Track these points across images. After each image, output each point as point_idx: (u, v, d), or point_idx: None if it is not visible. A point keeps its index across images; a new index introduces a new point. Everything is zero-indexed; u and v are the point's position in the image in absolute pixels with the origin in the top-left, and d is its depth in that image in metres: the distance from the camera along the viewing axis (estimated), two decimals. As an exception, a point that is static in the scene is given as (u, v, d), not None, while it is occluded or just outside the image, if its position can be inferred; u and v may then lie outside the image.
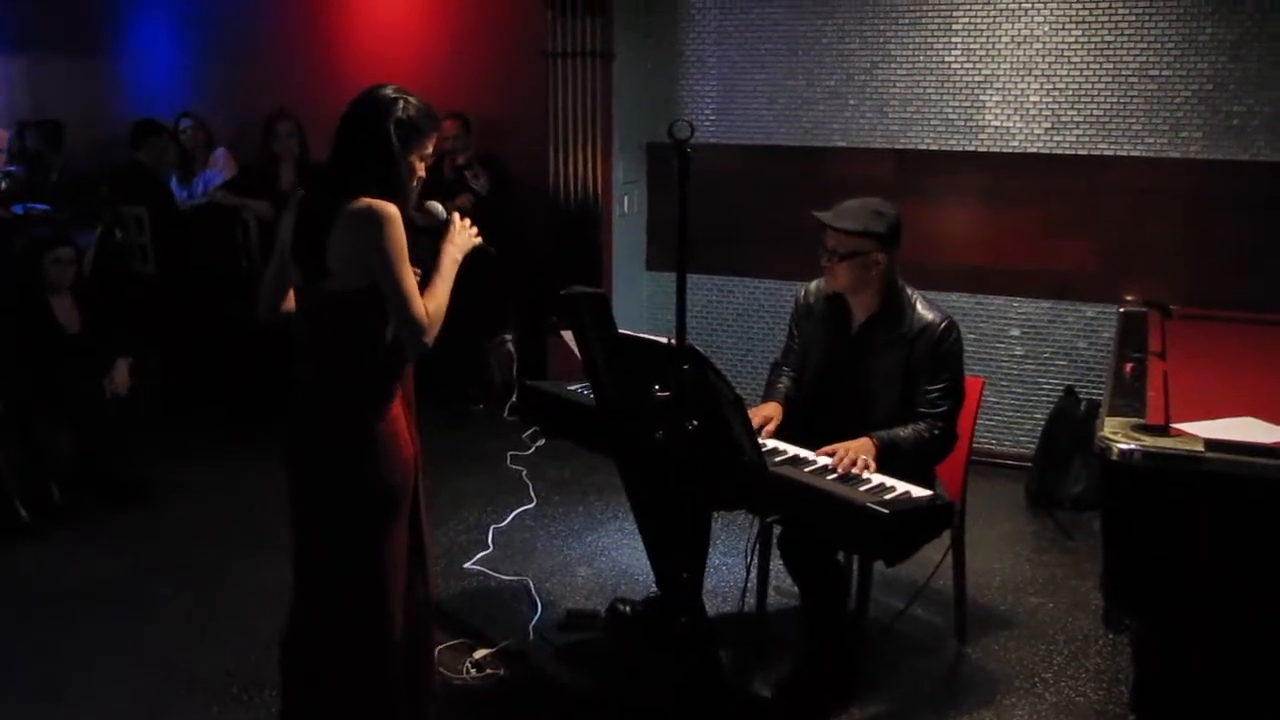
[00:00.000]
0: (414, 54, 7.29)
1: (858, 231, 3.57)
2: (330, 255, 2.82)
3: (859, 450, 3.37)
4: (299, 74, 7.36)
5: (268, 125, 6.64)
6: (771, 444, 3.53)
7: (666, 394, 2.97)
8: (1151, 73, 5.47)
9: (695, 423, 2.95)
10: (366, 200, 2.81)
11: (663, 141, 6.44)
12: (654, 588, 3.96)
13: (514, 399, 6.52)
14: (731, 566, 4.68)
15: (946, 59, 5.86)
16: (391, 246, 2.80)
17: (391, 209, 2.82)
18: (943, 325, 3.61)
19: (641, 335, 3.19)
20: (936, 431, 3.55)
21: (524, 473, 5.77)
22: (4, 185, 8.21)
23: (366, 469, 2.92)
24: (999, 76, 5.77)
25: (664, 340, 3.05)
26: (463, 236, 3.11)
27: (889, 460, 3.40)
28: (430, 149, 3.02)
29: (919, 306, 3.65)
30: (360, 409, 2.92)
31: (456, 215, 3.13)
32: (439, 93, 7.05)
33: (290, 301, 3.08)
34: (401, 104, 2.91)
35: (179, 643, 4.10)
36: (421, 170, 3.01)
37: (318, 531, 3.02)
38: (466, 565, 4.76)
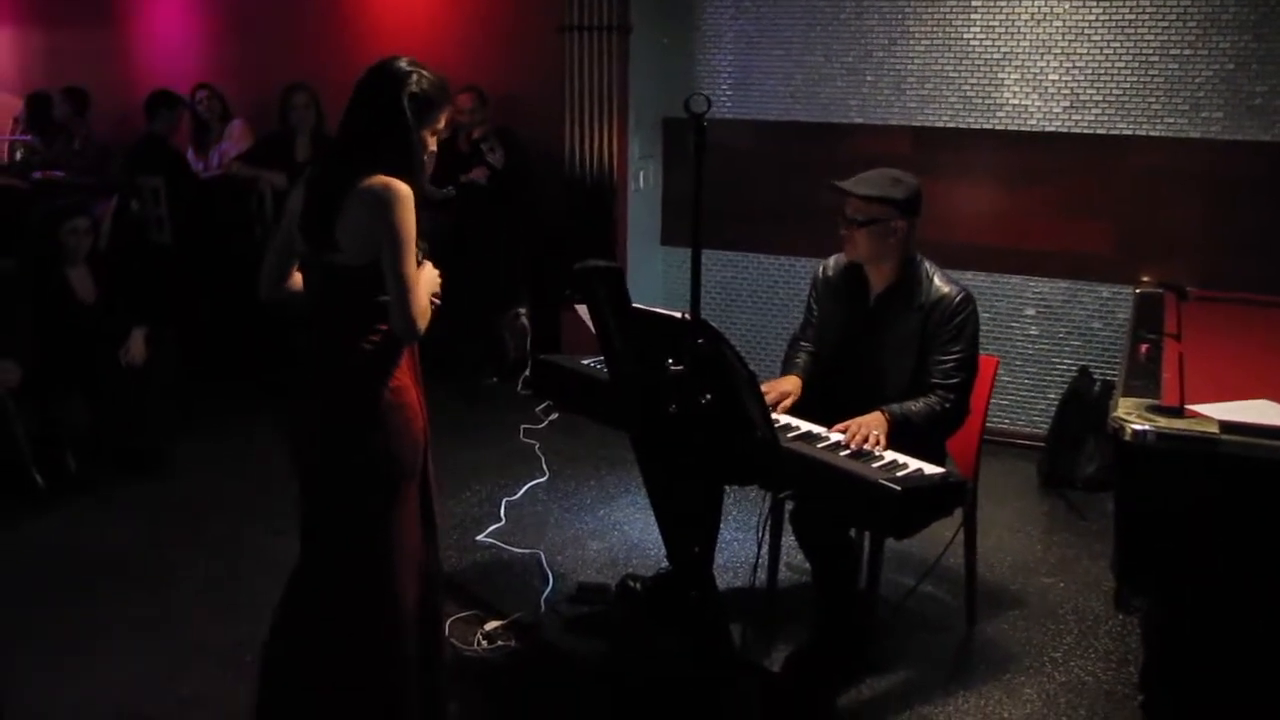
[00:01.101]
0: (430, 26, 7.28)
1: (877, 198, 3.57)
2: (340, 230, 2.81)
3: (871, 425, 3.37)
4: (316, 46, 7.36)
5: (284, 97, 6.64)
6: (784, 419, 3.53)
7: (680, 368, 2.97)
8: (1172, 51, 5.43)
9: (709, 396, 2.96)
10: (383, 178, 2.80)
11: (678, 117, 6.44)
12: (665, 563, 3.98)
13: (527, 373, 6.54)
14: (743, 542, 4.69)
15: (965, 35, 5.82)
16: (401, 229, 2.78)
17: (406, 189, 2.80)
18: (959, 298, 3.60)
19: (656, 310, 3.19)
20: (948, 404, 3.55)
21: (537, 446, 5.78)
22: (19, 155, 8.24)
23: (375, 441, 2.92)
24: (1018, 54, 5.73)
25: (678, 315, 3.05)
26: (430, 274, 3.01)
27: (901, 433, 3.40)
28: (442, 123, 3.00)
29: (936, 279, 3.64)
30: (367, 381, 2.91)
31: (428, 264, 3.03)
32: (455, 66, 7.03)
33: (292, 281, 3.08)
34: (415, 77, 2.89)
35: (193, 611, 4.14)
36: (433, 145, 2.99)
37: (329, 508, 3.01)
38: (479, 538, 4.78)
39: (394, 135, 2.86)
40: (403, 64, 2.91)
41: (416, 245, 2.84)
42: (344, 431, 2.94)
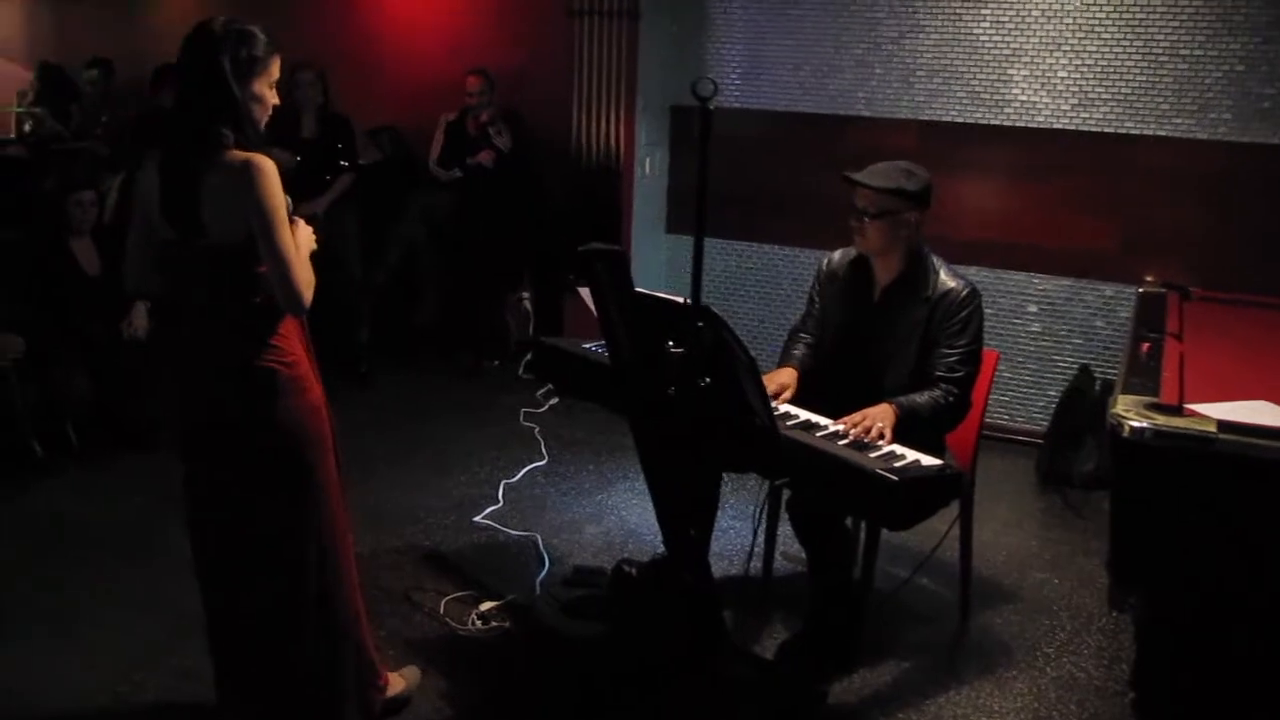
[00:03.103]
0: (439, 9, 7.27)
1: (890, 190, 3.57)
2: (205, 213, 2.75)
3: (878, 417, 3.38)
4: (323, 24, 7.34)
5: (290, 75, 6.63)
6: (784, 408, 3.54)
7: (680, 350, 2.98)
8: (1182, 52, 5.42)
9: (708, 379, 2.96)
10: (239, 154, 2.74)
11: (686, 104, 6.46)
12: (661, 549, 3.98)
13: (529, 357, 6.54)
14: (739, 530, 4.70)
15: (975, 30, 5.82)
16: (270, 203, 2.72)
17: (268, 163, 2.74)
18: (966, 291, 3.61)
19: (658, 294, 3.19)
20: (952, 398, 3.55)
21: (536, 430, 5.80)
22: (28, 127, 8.25)
23: (278, 415, 2.87)
24: (1027, 50, 5.72)
25: (680, 299, 3.05)
26: (305, 235, 2.94)
27: (907, 427, 3.41)
28: (275, 73, 2.88)
29: (943, 273, 3.65)
30: (257, 355, 2.85)
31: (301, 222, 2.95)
32: (464, 48, 7.07)
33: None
34: (234, 33, 2.78)
35: (189, 584, 4.12)
36: (273, 98, 2.89)
37: (243, 504, 2.95)
38: (476, 519, 4.79)
39: (220, 95, 2.76)
40: (216, 23, 2.79)
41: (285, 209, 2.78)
42: (246, 412, 2.88)
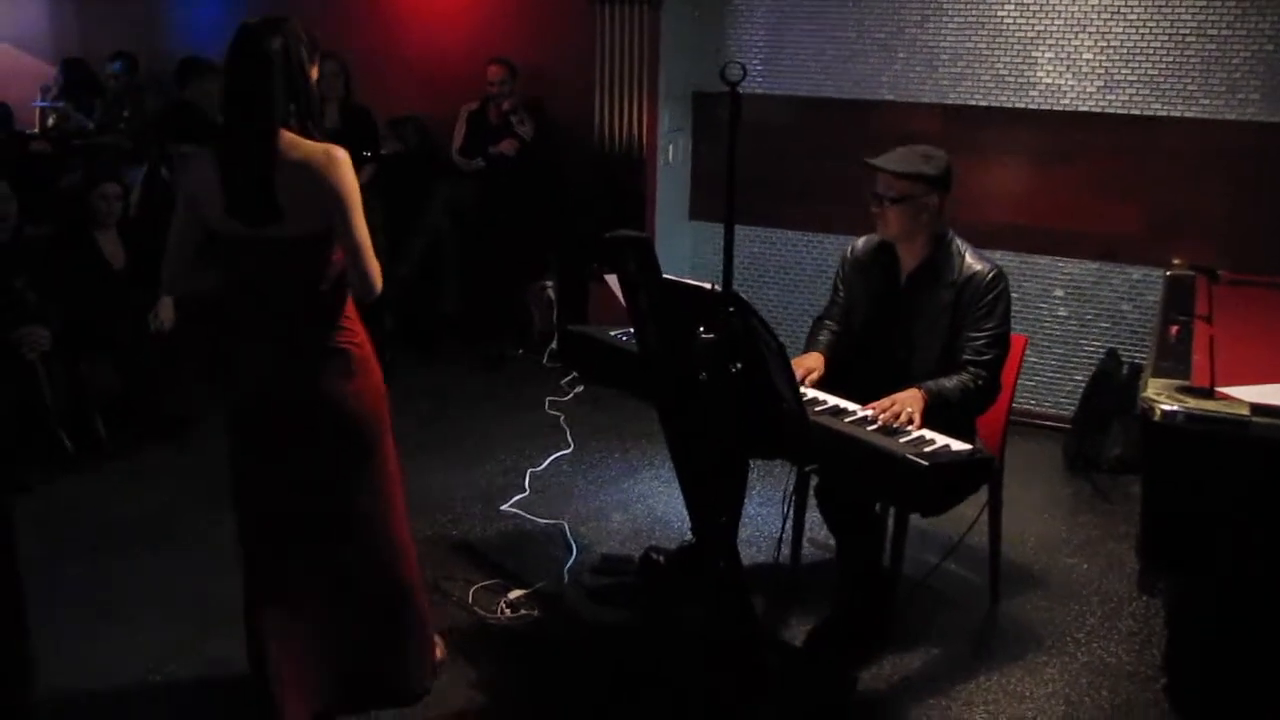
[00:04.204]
0: (461, -2, 7.27)
1: (910, 174, 3.56)
2: (280, 200, 2.80)
3: (907, 402, 3.36)
4: (346, 16, 7.34)
5: (313, 66, 6.64)
6: (812, 394, 3.53)
7: (710, 336, 2.97)
8: (1209, 31, 5.37)
9: (738, 365, 2.96)
10: (319, 145, 2.82)
11: (709, 91, 6.46)
12: (689, 535, 3.98)
13: (554, 345, 6.55)
14: (767, 517, 4.70)
15: (998, 13, 5.77)
16: (353, 191, 2.83)
17: (344, 152, 2.83)
18: (992, 274, 3.59)
19: (686, 280, 3.19)
20: (981, 381, 3.54)
21: (562, 418, 5.80)
22: (51, 121, 8.29)
23: (352, 394, 2.98)
24: (1051, 32, 5.68)
25: (709, 286, 3.05)
26: None
27: (935, 412, 3.39)
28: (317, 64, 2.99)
29: (968, 256, 3.63)
30: (329, 340, 2.96)
31: None
32: (485, 37, 7.07)
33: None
34: (285, 23, 2.87)
35: (220, 575, 4.15)
36: (315, 75, 2.98)
37: (315, 480, 3.04)
38: (503, 508, 4.80)
39: (291, 90, 2.84)
40: (268, 20, 2.86)
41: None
42: (324, 390, 2.96)
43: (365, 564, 3.13)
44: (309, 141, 2.83)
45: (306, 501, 3.05)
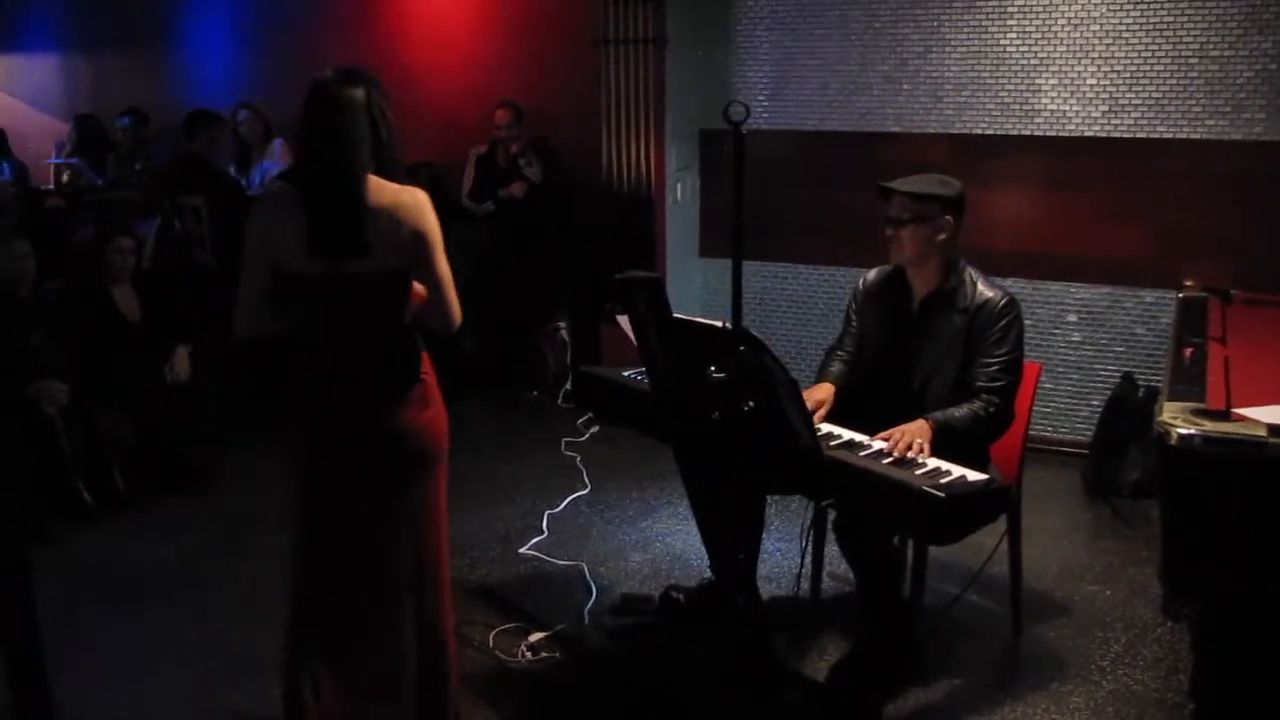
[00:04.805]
0: (467, 42, 7.34)
1: (926, 195, 3.58)
2: (368, 235, 2.90)
3: (914, 433, 3.36)
4: (355, 63, 7.41)
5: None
6: (826, 428, 3.52)
7: (722, 375, 2.98)
8: (1212, 53, 5.38)
9: (751, 404, 2.96)
10: (405, 188, 2.95)
11: (715, 128, 6.49)
12: (708, 574, 3.97)
13: (568, 386, 6.55)
14: (785, 552, 4.68)
15: (1001, 42, 5.80)
16: (437, 231, 2.99)
17: (425, 194, 2.98)
18: (1004, 301, 3.59)
19: (697, 319, 3.20)
20: (993, 409, 3.53)
21: (578, 459, 5.80)
22: (66, 177, 8.37)
23: (427, 422, 3.12)
24: (1055, 59, 5.70)
25: (719, 324, 3.06)
26: None
27: (945, 441, 3.39)
28: None
29: (980, 284, 3.64)
30: (415, 373, 3.09)
31: None
32: (492, 81, 7.12)
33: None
34: (364, 73, 3.01)
35: (239, 625, 4.17)
36: None
37: (384, 505, 3.12)
38: (521, 550, 4.79)
39: (376, 136, 2.95)
40: (347, 69, 2.99)
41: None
42: (405, 419, 3.06)
43: (416, 603, 3.15)
44: (392, 184, 2.95)
45: (369, 531, 3.13)
